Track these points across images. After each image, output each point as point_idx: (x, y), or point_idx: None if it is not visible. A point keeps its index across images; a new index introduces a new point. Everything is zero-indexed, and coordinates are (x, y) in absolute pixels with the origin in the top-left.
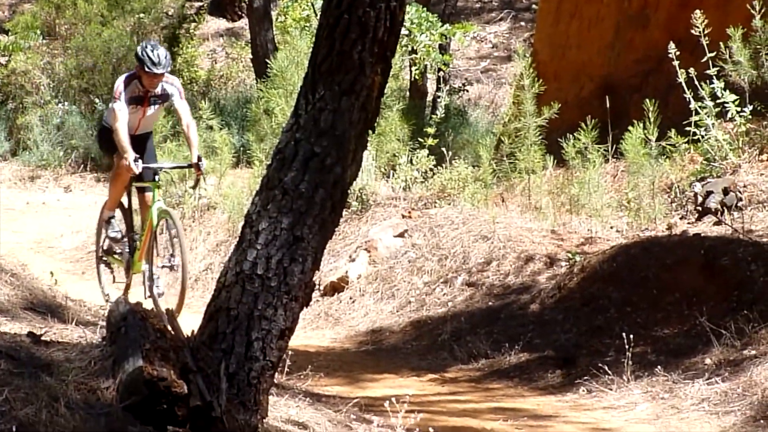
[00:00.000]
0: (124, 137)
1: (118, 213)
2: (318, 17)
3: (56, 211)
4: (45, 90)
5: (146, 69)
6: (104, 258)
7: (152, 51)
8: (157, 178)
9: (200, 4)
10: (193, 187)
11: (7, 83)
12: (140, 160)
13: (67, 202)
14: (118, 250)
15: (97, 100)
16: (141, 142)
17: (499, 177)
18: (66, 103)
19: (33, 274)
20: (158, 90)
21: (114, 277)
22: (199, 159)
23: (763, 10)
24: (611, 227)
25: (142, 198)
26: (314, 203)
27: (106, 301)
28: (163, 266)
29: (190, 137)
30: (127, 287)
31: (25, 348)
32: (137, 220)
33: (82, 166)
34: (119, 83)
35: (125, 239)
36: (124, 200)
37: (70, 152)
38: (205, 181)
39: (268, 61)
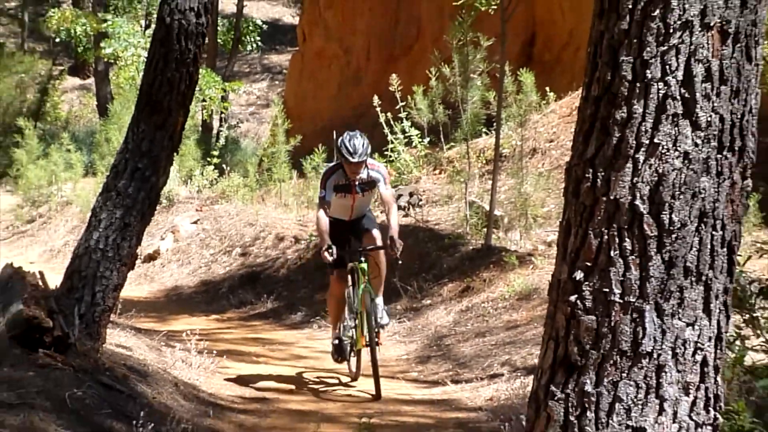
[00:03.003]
0: (322, 226)
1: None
2: (141, 77)
3: None
4: None
5: (346, 159)
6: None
7: (349, 141)
8: (362, 259)
9: (62, 68)
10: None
11: None
12: (333, 248)
13: None
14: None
15: None
16: (357, 228)
17: (261, 184)
18: None
19: None
20: (364, 176)
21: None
22: (391, 240)
23: (437, 74)
24: None
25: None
26: (137, 201)
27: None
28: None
29: (390, 220)
30: (358, 368)
31: None
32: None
33: None
34: (324, 173)
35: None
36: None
37: None
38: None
39: (107, 106)
